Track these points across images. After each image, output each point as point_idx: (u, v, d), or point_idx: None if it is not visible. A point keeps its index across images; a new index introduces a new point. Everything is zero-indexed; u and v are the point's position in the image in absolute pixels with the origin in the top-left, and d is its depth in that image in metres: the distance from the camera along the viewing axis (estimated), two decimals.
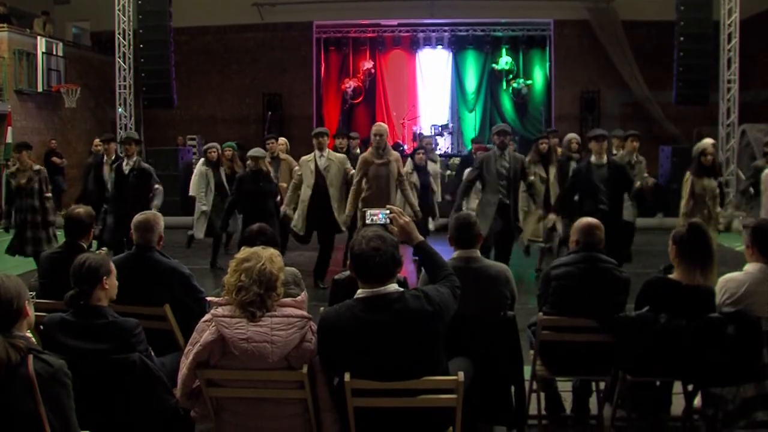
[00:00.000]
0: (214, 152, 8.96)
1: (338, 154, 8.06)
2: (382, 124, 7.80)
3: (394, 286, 2.82)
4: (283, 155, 8.69)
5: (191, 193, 9.19)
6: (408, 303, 2.78)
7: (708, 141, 7.40)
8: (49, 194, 7.67)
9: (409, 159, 8.67)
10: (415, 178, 8.31)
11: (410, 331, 2.76)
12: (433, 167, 8.29)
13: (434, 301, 2.81)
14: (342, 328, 2.77)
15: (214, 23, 18.45)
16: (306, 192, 7.79)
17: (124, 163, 7.90)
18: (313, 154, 7.85)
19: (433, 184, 8.33)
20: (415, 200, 7.67)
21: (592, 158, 6.94)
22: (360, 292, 2.83)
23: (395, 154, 7.45)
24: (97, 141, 9.62)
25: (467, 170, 8.25)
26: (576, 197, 7.07)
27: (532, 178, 7.51)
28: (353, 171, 7.62)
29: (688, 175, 7.19)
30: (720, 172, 7.30)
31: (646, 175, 8.18)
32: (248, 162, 8.03)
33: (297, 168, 8.30)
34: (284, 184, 8.43)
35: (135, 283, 3.73)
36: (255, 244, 3.08)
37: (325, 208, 7.67)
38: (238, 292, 2.78)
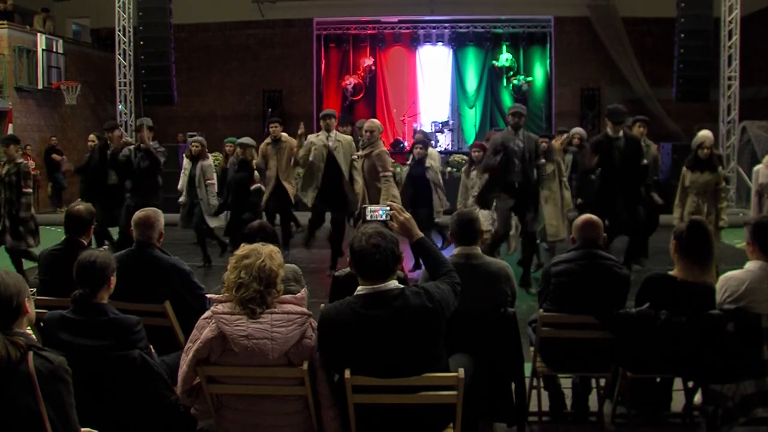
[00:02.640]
0: (196, 146, 8.99)
1: (346, 136, 8.09)
2: (375, 120, 7.92)
3: (394, 283, 2.82)
4: (284, 137, 8.73)
5: (179, 187, 9.29)
6: (408, 299, 2.78)
7: (705, 133, 7.37)
8: (28, 189, 7.53)
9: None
10: (406, 170, 8.37)
11: (411, 328, 2.76)
12: (429, 162, 8.37)
13: (435, 297, 2.81)
14: (342, 324, 2.77)
15: (214, 20, 18.46)
16: (318, 172, 7.84)
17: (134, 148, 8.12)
18: (321, 133, 7.88)
19: (434, 178, 8.37)
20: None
21: (609, 131, 7.08)
22: (360, 289, 2.83)
23: (380, 149, 7.49)
24: (91, 137, 9.57)
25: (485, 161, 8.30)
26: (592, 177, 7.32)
27: (543, 161, 7.44)
28: (356, 155, 7.73)
29: (684, 169, 7.22)
30: (718, 165, 7.26)
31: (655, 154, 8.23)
32: (237, 150, 8.09)
33: (302, 150, 8.36)
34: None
35: (135, 280, 3.74)
36: (254, 241, 3.07)
37: (337, 187, 7.72)
38: (237, 289, 2.78)
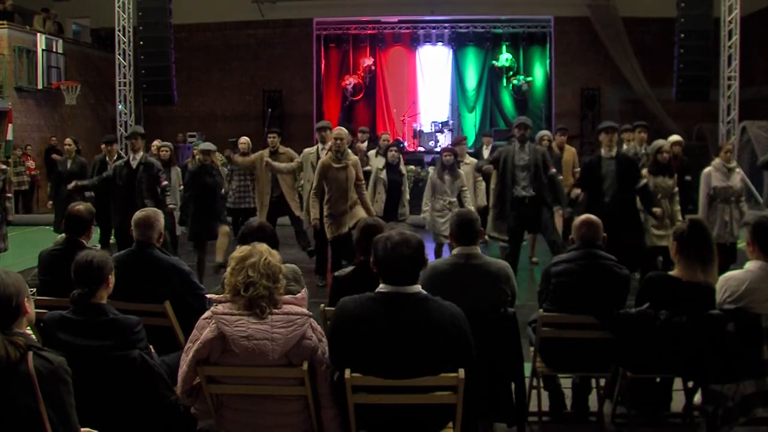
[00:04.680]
0: (166, 151, 8.96)
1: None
2: (343, 128, 7.68)
3: (417, 287, 2.82)
4: (282, 149, 8.69)
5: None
6: (429, 307, 2.78)
7: (669, 139, 7.43)
8: (10, 194, 7.77)
9: (381, 156, 8.63)
10: (384, 174, 8.30)
11: (425, 335, 2.75)
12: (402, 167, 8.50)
13: (464, 332, 2.86)
14: (358, 317, 2.77)
15: (214, 20, 18.47)
16: (306, 186, 7.83)
17: (131, 159, 7.79)
18: (315, 147, 7.88)
19: (403, 184, 8.45)
20: (371, 204, 7.59)
21: (602, 151, 6.93)
22: (382, 287, 2.83)
23: (354, 158, 7.38)
24: (68, 141, 9.49)
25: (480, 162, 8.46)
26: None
27: (553, 170, 7.33)
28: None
29: (644, 172, 7.16)
30: (675, 170, 7.21)
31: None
32: (199, 157, 8.03)
33: (298, 158, 8.31)
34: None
35: (135, 280, 3.74)
36: (249, 241, 3.06)
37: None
38: (246, 289, 2.77)
